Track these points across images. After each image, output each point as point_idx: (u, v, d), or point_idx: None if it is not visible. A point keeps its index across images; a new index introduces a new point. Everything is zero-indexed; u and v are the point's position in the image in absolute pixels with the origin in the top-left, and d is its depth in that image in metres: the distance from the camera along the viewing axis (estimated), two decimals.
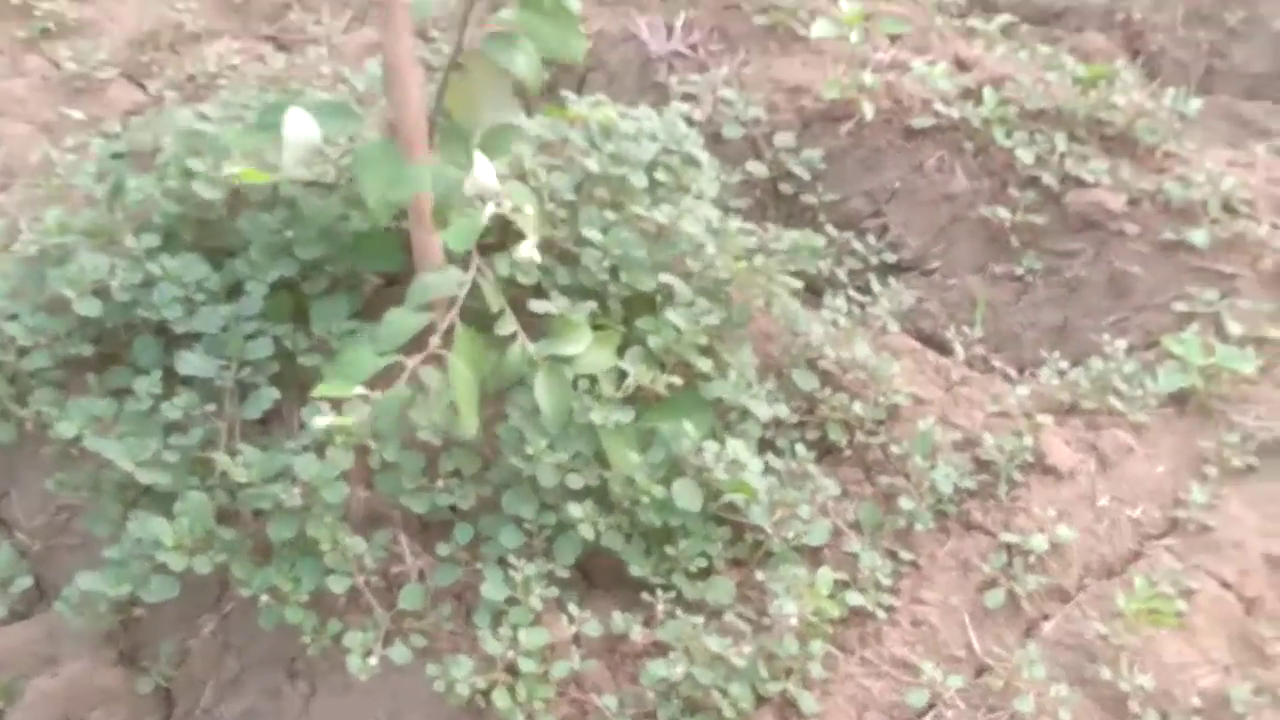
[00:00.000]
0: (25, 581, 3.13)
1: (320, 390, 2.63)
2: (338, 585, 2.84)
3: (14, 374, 3.22)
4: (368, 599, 2.87)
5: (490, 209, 2.80)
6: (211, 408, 3.07)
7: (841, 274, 3.86)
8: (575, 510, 2.86)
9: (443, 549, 2.92)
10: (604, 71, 4.56)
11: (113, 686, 2.98)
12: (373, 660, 2.76)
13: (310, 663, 2.89)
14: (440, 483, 2.96)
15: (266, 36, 5.00)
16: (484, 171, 2.76)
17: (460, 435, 2.84)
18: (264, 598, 2.85)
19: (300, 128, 2.79)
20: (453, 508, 2.96)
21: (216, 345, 3.14)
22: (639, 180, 3.35)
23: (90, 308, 3.16)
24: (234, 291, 3.24)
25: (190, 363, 3.11)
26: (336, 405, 2.70)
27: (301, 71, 4.45)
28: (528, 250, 2.83)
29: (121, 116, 4.60)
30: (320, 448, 2.92)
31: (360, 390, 2.65)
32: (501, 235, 3.07)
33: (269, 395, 3.07)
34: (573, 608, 2.83)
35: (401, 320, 2.79)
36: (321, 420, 2.61)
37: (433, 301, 2.88)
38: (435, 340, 2.75)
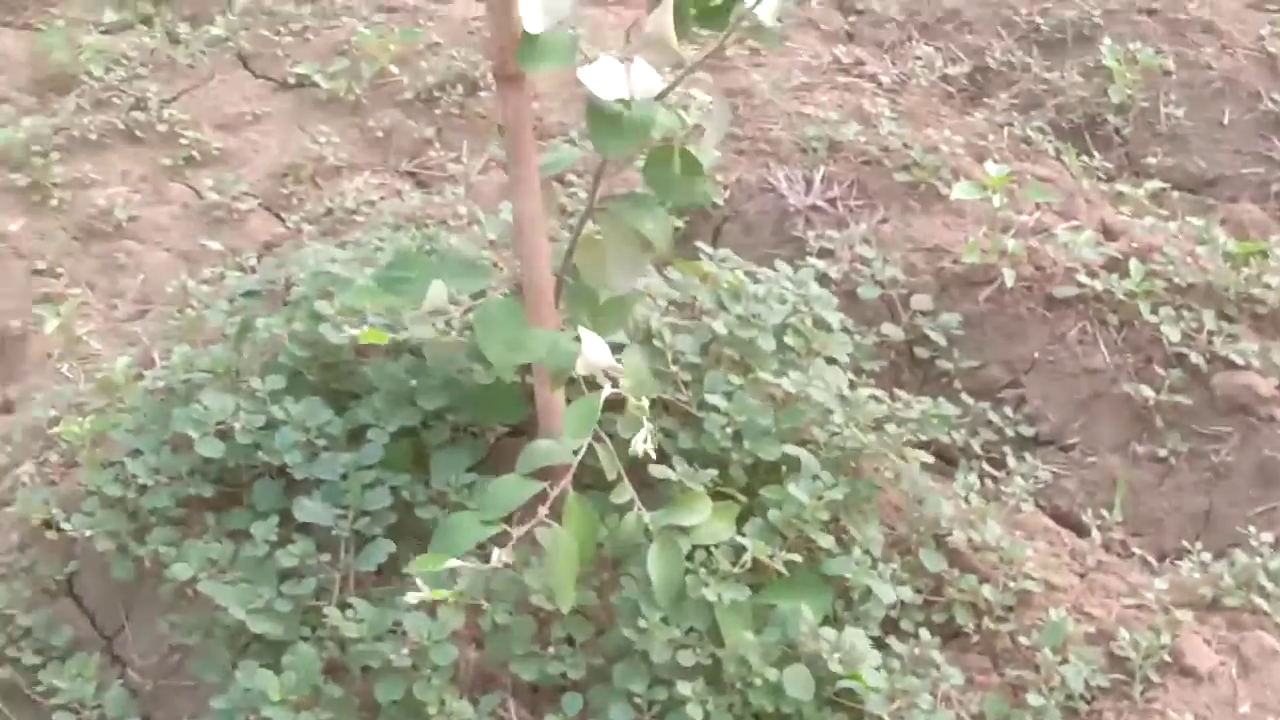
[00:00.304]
0: None
1: (417, 565, 2.58)
2: None
3: (135, 510, 3.22)
4: None
5: (606, 390, 2.74)
6: (326, 557, 3.04)
7: (976, 445, 3.75)
8: (685, 689, 2.77)
9: (551, 719, 2.85)
10: (741, 222, 4.52)
11: None
12: None
13: None
14: (552, 649, 2.89)
15: (406, 172, 5.03)
16: (595, 350, 2.72)
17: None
18: None
19: (437, 295, 2.79)
20: (563, 675, 2.89)
21: (335, 493, 3.12)
22: (767, 344, 3.30)
23: (212, 449, 3.15)
24: (356, 437, 3.21)
25: (308, 510, 3.08)
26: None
27: (438, 210, 4.46)
28: (638, 445, 2.76)
29: (259, 248, 4.64)
30: (432, 606, 2.87)
31: (455, 563, 2.59)
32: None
33: (384, 547, 3.03)
34: None
35: (509, 489, 2.75)
36: (414, 597, 2.56)
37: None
38: (544, 510, 2.69)
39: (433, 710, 2.79)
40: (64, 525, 3.20)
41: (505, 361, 2.89)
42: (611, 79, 2.79)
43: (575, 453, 2.78)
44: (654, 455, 2.80)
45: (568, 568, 2.71)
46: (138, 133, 5.08)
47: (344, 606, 2.89)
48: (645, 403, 2.77)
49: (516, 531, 2.66)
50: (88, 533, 3.17)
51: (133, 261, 4.64)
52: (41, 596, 3.31)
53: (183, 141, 5.04)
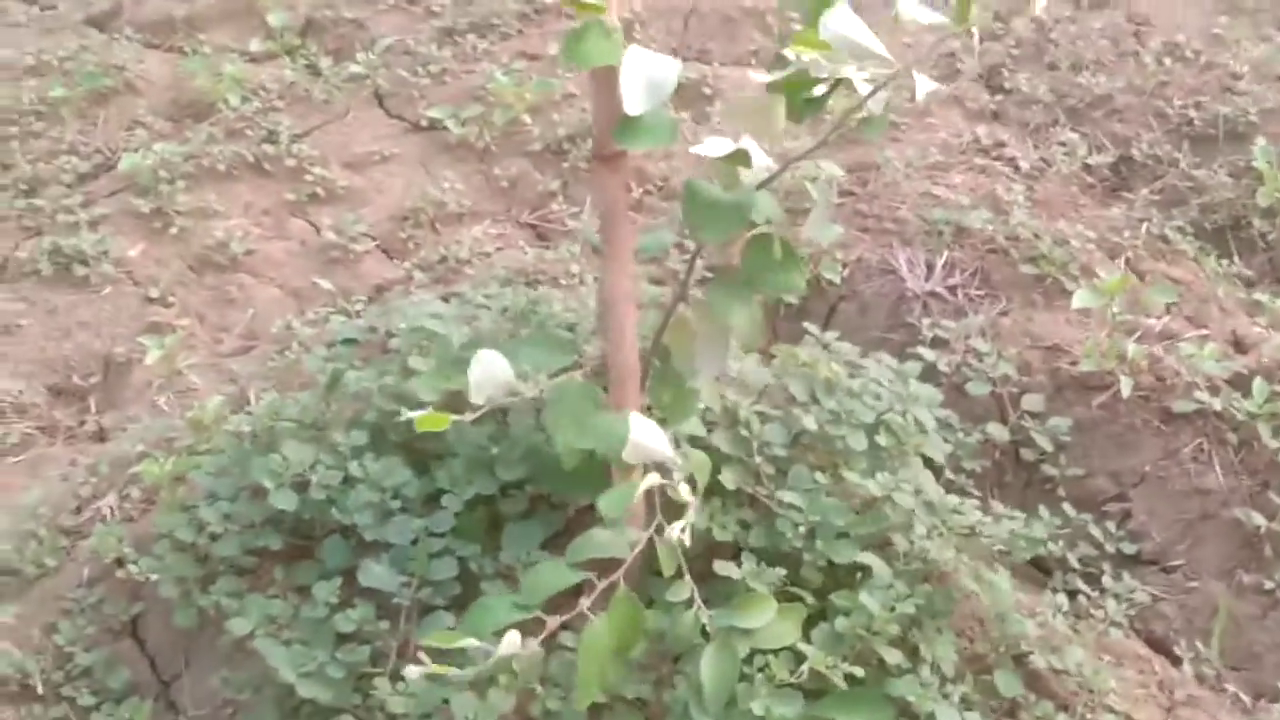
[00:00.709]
0: None
1: (430, 639, 2.51)
2: None
3: (205, 556, 3.20)
4: None
5: (650, 479, 2.65)
6: (386, 624, 2.99)
7: (1073, 559, 3.60)
8: None
9: None
10: (857, 302, 4.42)
11: None
12: None
13: None
14: None
15: (526, 224, 5.01)
16: (648, 437, 2.63)
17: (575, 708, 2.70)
18: None
19: (488, 369, 2.72)
20: None
21: (403, 558, 3.07)
22: (857, 442, 3.19)
23: (286, 501, 3.13)
24: (432, 500, 3.17)
25: (372, 574, 3.04)
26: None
27: (551, 266, 4.42)
28: (676, 534, 2.66)
29: (370, 291, 4.64)
30: (482, 686, 2.81)
31: (471, 643, 2.51)
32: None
33: (444, 620, 2.97)
34: None
35: (548, 576, 2.68)
36: (414, 671, 2.48)
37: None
38: (585, 601, 2.61)
39: None
40: (133, 565, 3.19)
41: (571, 442, 2.82)
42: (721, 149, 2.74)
43: (632, 546, 2.70)
44: (688, 543, 2.69)
45: (594, 664, 2.62)
46: (266, 165, 5.12)
47: (396, 678, 2.83)
48: (689, 494, 2.67)
49: (552, 620, 2.58)
50: (154, 576, 3.16)
51: (244, 296, 4.67)
52: (105, 636, 3.31)
53: (309, 177, 5.07)
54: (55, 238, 4.76)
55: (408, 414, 2.70)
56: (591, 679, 2.63)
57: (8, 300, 4.57)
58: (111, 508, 3.56)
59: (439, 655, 2.51)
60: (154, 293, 4.63)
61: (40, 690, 3.22)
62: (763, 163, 2.82)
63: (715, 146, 2.71)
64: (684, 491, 2.64)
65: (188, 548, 3.20)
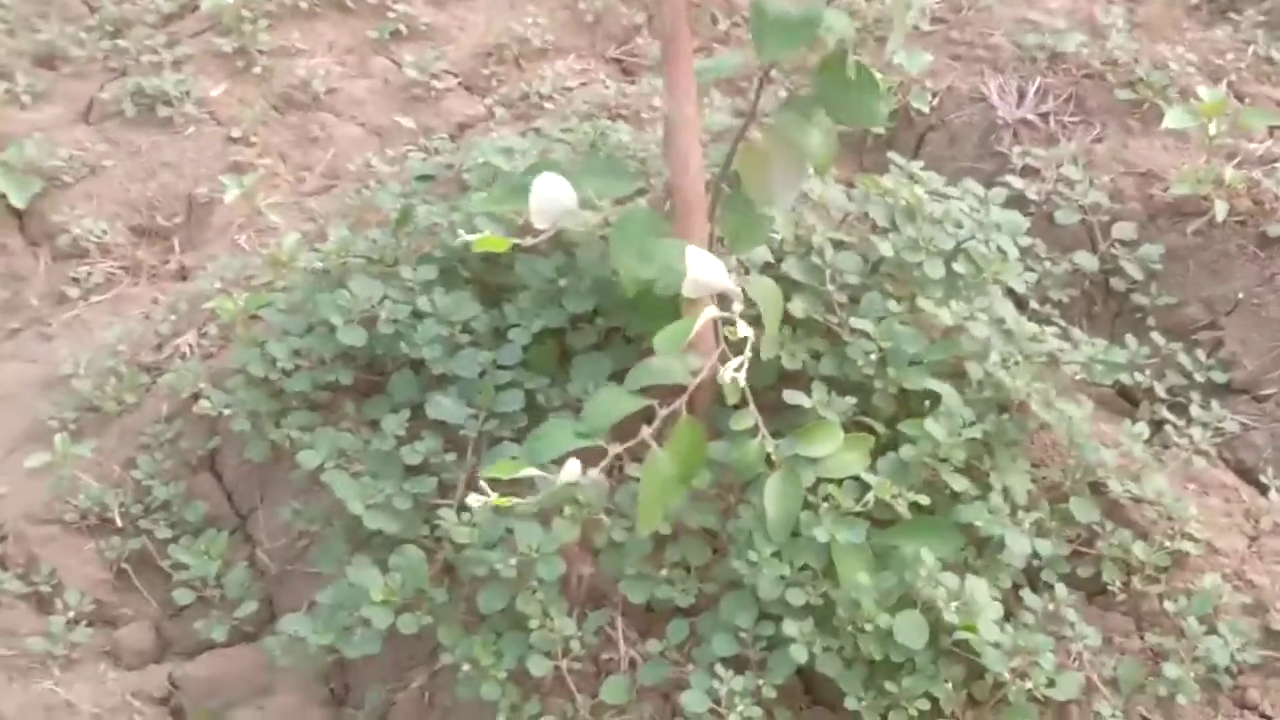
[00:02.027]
0: (251, 605, 3.11)
1: (491, 470, 2.49)
2: (538, 667, 2.71)
3: (278, 391, 3.22)
4: (570, 685, 2.73)
5: (708, 312, 2.59)
6: (453, 456, 2.99)
7: (1160, 389, 3.51)
8: (791, 628, 2.65)
9: (654, 645, 2.76)
10: (946, 131, 4.30)
11: None
12: None
13: None
14: (665, 572, 2.80)
15: (611, 59, 4.92)
16: (705, 269, 2.56)
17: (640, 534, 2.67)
18: (465, 667, 2.74)
19: (549, 192, 2.66)
20: (672, 601, 2.79)
21: (471, 390, 3.06)
22: (934, 270, 3.11)
23: (354, 336, 3.12)
24: (501, 334, 3.15)
25: (440, 407, 3.04)
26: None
27: (633, 101, 4.34)
28: (730, 373, 2.60)
29: (452, 129, 4.59)
30: (548, 517, 2.80)
31: (531, 472, 2.49)
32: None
33: (511, 452, 2.95)
34: None
35: (610, 403, 2.65)
36: (476, 500, 2.46)
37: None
38: (647, 429, 2.57)
39: (535, 624, 2.72)
40: (208, 401, 3.21)
41: (632, 271, 2.77)
42: None
43: (693, 373, 2.66)
44: (741, 384, 2.63)
45: (657, 493, 2.59)
46: (349, 3, 5.07)
47: (462, 509, 2.83)
48: (747, 329, 2.61)
49: (614, 448, 2.55)
50: (227, 411, 3.18)
51: (325, 134, 4.64)
52: (182, 470, 3.35)
53: (391, 14, 5.01)
54: (139, 78, 4.75)
55: (464, 236, 2.67)
56: (654, 507, 2.61)
57: (92, 141, 4.58)
58: (190, 345, 3.58)
59: (502, 486, 2.49)
60: (236, 132, 4.62)
61: (119, 523, 3.28)
62: None
63: None
64: (741, 327, 2.58)
65: (260, 383, 3.21)
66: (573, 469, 2.50)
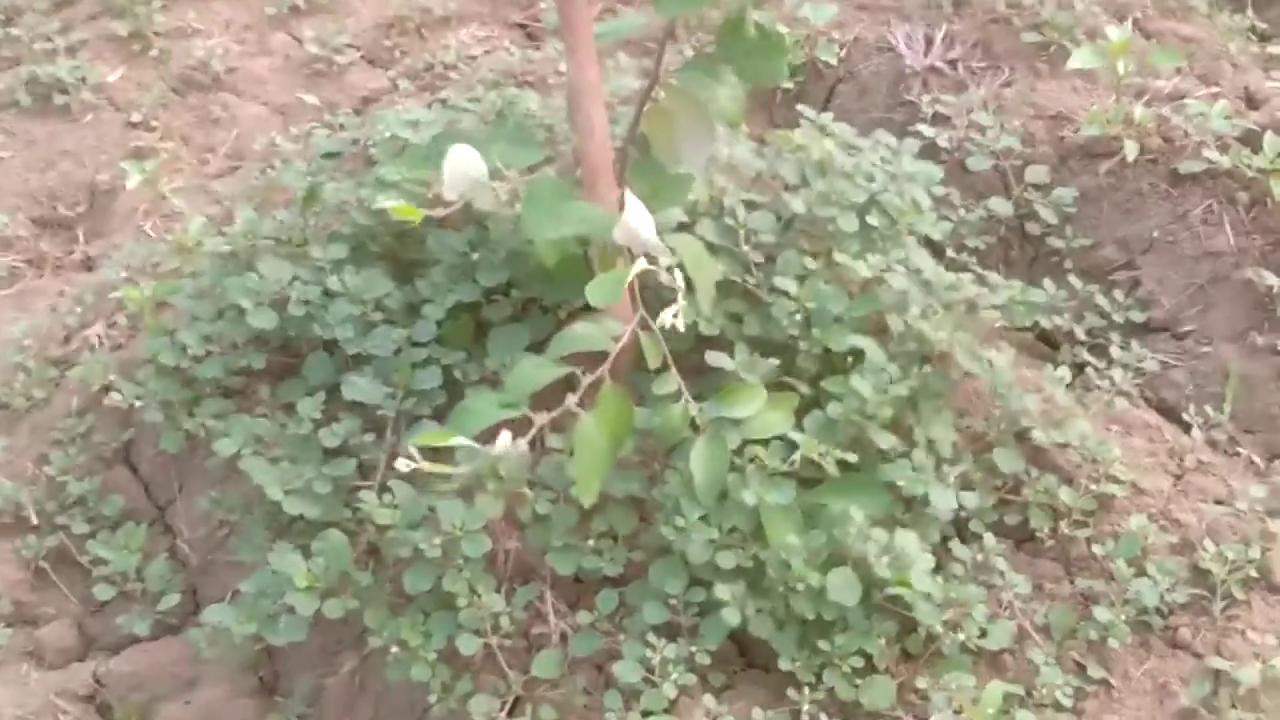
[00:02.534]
0: (174, 598, 3.05)
1: (418, 439, 2.44)
2: (468, 646, 2.68)
3: (191, 379, 3.16)
4: (501, 661, 2.70)
5: (639, 265, 2.56)
6: (371, 437, 2.94)
7: (1080, 331, 3.51)
8: (723, 591, 2.63)
9: (585, 616, 2.73)
10: (855, 83, 4.28)
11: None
12: None
13: (439, 719, 2.73)
14: (592, 542, 2.77)
15: (515, 24, 4.86)
16: (636, 220, 2.53)
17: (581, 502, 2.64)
18: (394, 649, 2.70)
19: (461, 164, 2.62)
20: (601, 571, 2.77)
21: (387, 369, 3.02)
22: (848, 224, 3.08)
23: (265, 319, 3.07)
24: (415, 310, 3.10)
25: (356, 388, 2.99)
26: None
27: (539, 67, 4.28)
28: (669, 319, 2.58)
29: (357, 103, 4.53)
30: (470, 493, 2.76)
31: (461, 441, 2.44)
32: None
33: (432, 428, 2.91)
34: (709, 700, 2.61)
35: (531, 372, 2.61)
36: (404, 466, 2.42)
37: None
38: (572, 397, 2.53)
39: (463, 602, 2.69)
40: (118, 393, 3.14)
41: (546, 234, 2.72)
42: None
43: (614, 339, 2.62)
44: (681, 329, 2.61)
45: (592, 461, 2.55)
46: None
47: (383, 490, 2.79)
48: (679, 279, 2.58)
49: (539, 418, 2.51)
50: (139, 402, 3.12)
51: (228, 115, 4.56)
52: (97, 464, 3.29)
53: None
54: (33, 66, 4.63)
55: (381, 202, 2.62)
56: (590, 476, 2.57)
57: None
58: (99, 336, 3.51)
59: (429, 457, 2.45)
60: (136, 117, 4.52)
61: (35, 520, 3.21)
62: None
63: None
64: (676, 276, 2.55)
65: (172, 372, 3.15)
66: (504, 440, 2.47)
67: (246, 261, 3.21)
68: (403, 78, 4.58)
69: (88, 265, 4.12)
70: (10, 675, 2.98)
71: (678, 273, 2.59)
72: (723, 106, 2.79)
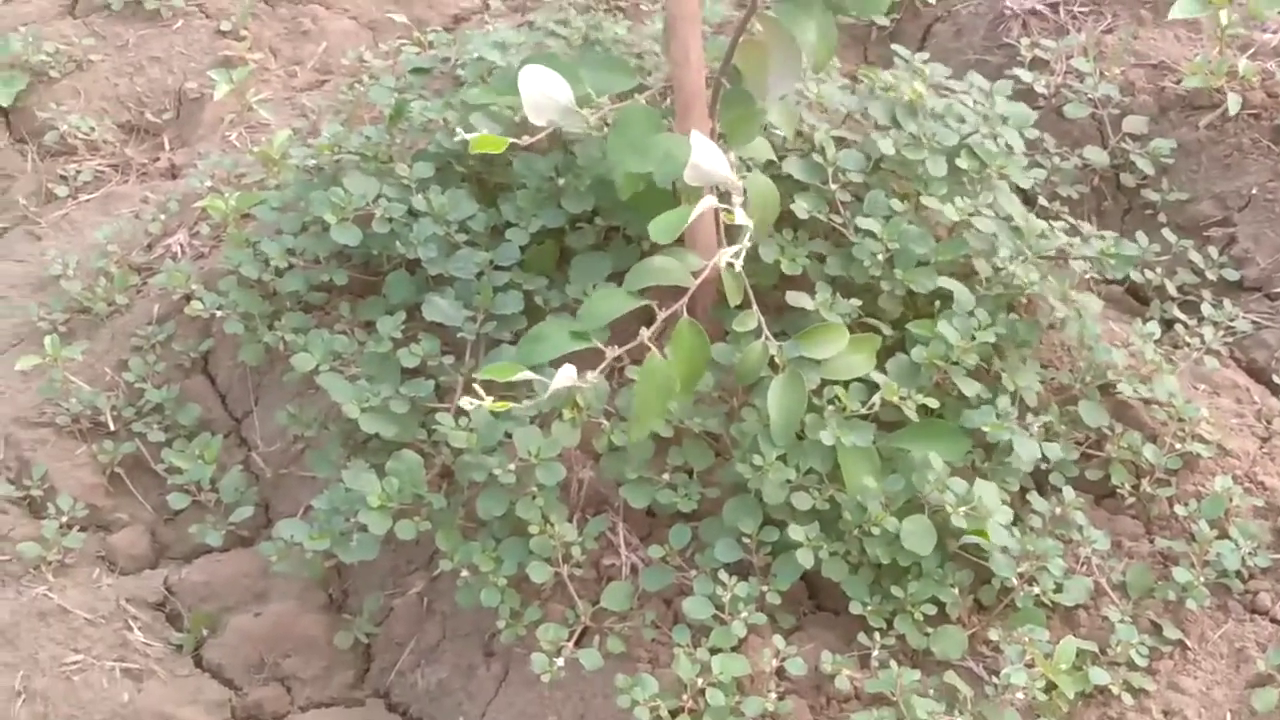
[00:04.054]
0: (247, 510, 3.05)
1: (485, 372, 2.42)
2: (539, 574, 2.66)
3: (272, 292, 3.16)
4: (571, 591, 2.69)
5: (705, 203, 2.51)
6: (450, 359, 2.93)
7: (1171, 287, 3.44)
8: (797, 533, 2.61)
9: (656, 550, 2.71)
10: (952, 23, 4.21)
11: (314, 635, 2.88)
12: (559, 661, 2.58)
13: (507, 645, 2.72)
14: (667, 476, 2.75)
15: None
16: (706, 158, 2.48)
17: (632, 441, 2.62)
18: (464, 573, 2.70)
19: (541, 86, 2.58)
20: (674, 506, 2.75)
21: (468, 291, 3.00)
22: (937, 168, 3.04)
23: (348, 235, 3.05)
24: (499, 233, 3.08)
25: (437, 309, 2.98)
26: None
27: None
28: (727, 259, 2.53)
29: (448, 21, 4.49)
30: (547, 420, 2.74)
31: (528, 375, 2.42)
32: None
33: (509, 354, 2.89)
34: (778, 640, 2.58)
35: (606, 302, 2.59)
36: (469, 403, 2.40)
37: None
38: (646, 331, 2.50)
39: (535, 529, 2.68)
40: (198, 302, 3.14)
41: (629, 166, 2.70)
42: None
43: (694, 273, 2.59)
44: (738, 268, 2.56)
45: (653, 397, 2.52)
46: None
47: (460, 413, 2.77)
48: (746, 220, 2.54)
49: (610, 351, 2.48)
50: (218, 313, 3.12)
51: (317, 28, 4.53)
52: (175, 372, 3.29)
53: None
54: None
55: (463, 134, 2.58)
56: (649, 412, 2.55)
57: (79, 35, 4.46)
58: (181, 245, 3.51)
59: (499, 389, 2.43)
60: (226, 26, 4.50)
61: (112, 426, 3.22)
62: None
63: None
64: (739, 215, 2.51)
65: (253, 284, 3.16)
66: (567, 374, 2.44)
67: (332, 176, 3.19)
68: None
69: (173, 173, 4.11)
70: (82, 579, 2.99)
71: (740, 212, 2.53)
72: (812, 43, 2.74)
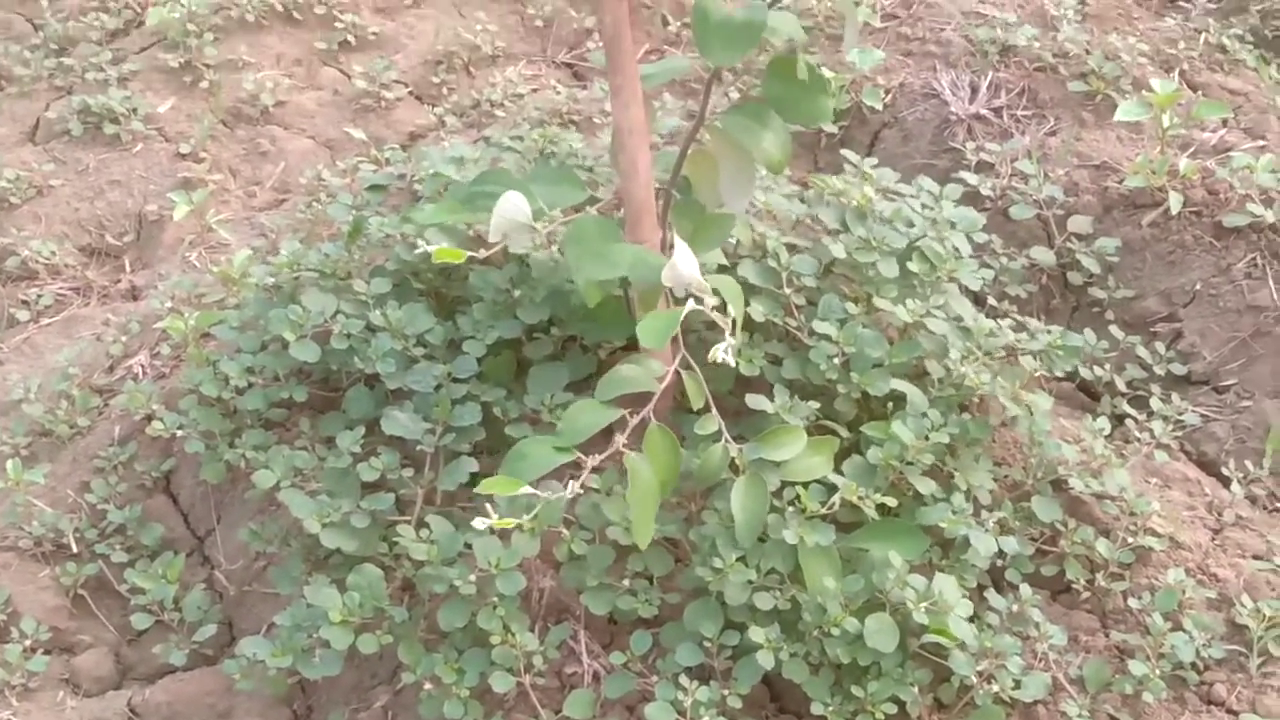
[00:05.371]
0: (210, 629, 3.06)
1: (483, 487, 2.46)
2: (501, 684, 2.68)
3: (233, 410, 3.18)
4: (534, 700, 2.70)
5: (689, 306, 2.57)
6: (410, 472, 2.96)
7: (1120, 382, 3.50)
8: (758, 634, 2.63)
9: (618, 657, 2.73)
10: (900, 129, 4.29)
11: None
12: None
13: None
14: (627, 582, 2.77)
15: (562, 63, 4.89)
16: (684, 262, 2.54)
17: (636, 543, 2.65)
18: (427, 686, 2.71)
19: (509, 209, 2.65)
20: (635, 611, 2.76)
21: (427, 404, 3.03)
22: (889, 269, 3.10)
23: (308, 352, 3.08)
24: (456, 346, 3.12)
25: (396, 422, 3.00)
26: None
27: (585, 106, 4.31)
28: (721, 354, 2.58)
29: (404, 138, 4.56)
30: (505, 532, 2.76)
31: (527, 490, 2.46)
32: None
33: (468, 466, 2.93)
34: None
35: (585, 415, 2.62)
36: (481, 523, 2.43)
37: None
38: (619, 438, 2.54)
39: (496, 640, 2.69)
40: (160, 422, 3.16)
41: (591, 275, 2.74)
42: None
43: (659, 380, 2.63)
44: (733, 363, 2.62)
45: (646, 501, 2.57)
46: (295, 14, 5.01)
47: (420, 525, 2.80)
48: (731, 313, 2.59)
49: (591, 461, 2.52)
50: (179, 432, 3.14)
51: (275, 148, 4.60)
52: (137, 493, 3.30)
53: (339, 24, 4.96)
54: (85, 96, 4.68)
55: (424, 247, 2.63)
56: (645, 517, 2.60)
57: (39, 161, 4.52)
58: (143, 365, 3.54)
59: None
60: (185, 148, 4.56)
61: (75, 548, 3.23)
62: None
63: None
64: (726, 313, 2.58)
65: (214, 402, 3.17)
66: (557, 487, 2.49)
67: (290, 294, 3.23)
68: (450, 114, 4.62)
69: (134, 294, 4.15)
70: (46, 702, 2.99)
71: (724, 312, 2.59)
72: (767, 151, 2.81)
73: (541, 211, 2.81)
